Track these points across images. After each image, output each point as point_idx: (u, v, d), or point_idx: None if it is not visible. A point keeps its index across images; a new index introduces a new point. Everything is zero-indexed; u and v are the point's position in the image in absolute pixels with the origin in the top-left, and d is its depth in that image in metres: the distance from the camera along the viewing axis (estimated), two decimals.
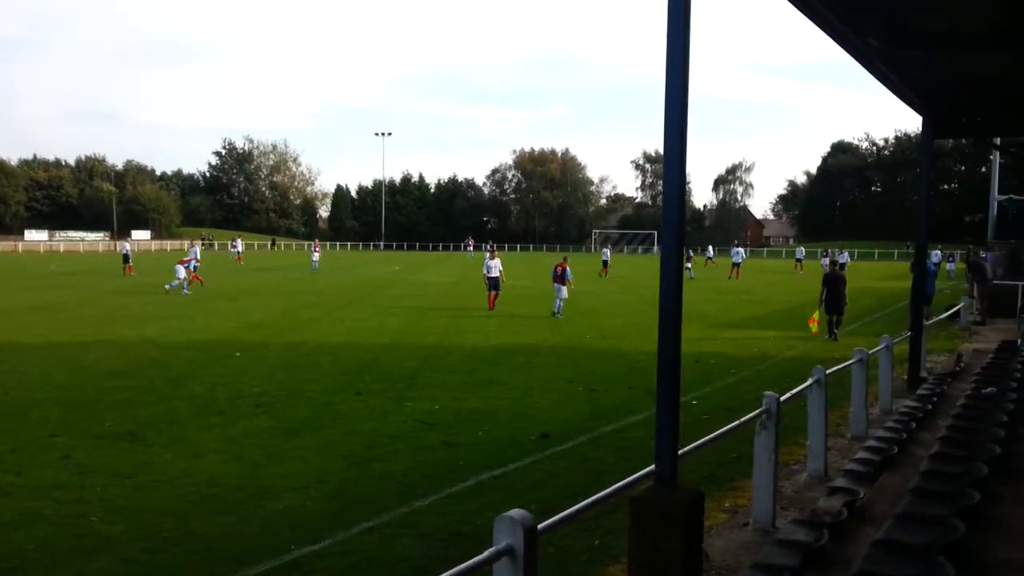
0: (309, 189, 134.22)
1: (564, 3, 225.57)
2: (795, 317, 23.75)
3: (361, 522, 6.82)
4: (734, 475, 7.88)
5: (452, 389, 12.55)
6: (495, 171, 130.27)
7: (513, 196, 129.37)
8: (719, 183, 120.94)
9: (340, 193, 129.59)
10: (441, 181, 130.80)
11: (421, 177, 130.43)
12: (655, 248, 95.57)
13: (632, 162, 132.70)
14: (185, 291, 29.51)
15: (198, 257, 31.81)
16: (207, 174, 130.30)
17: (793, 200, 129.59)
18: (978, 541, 4.32)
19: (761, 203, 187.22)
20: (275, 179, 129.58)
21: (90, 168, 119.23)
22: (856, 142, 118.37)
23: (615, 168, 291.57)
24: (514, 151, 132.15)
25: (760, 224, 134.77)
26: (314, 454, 8.96)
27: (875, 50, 8.76)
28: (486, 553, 3.34)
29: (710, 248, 60.85)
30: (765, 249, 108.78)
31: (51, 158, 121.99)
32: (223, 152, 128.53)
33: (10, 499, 7.44)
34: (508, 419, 10.66)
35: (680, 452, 4.89)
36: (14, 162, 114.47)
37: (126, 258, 42.07)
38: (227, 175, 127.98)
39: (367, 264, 59.76)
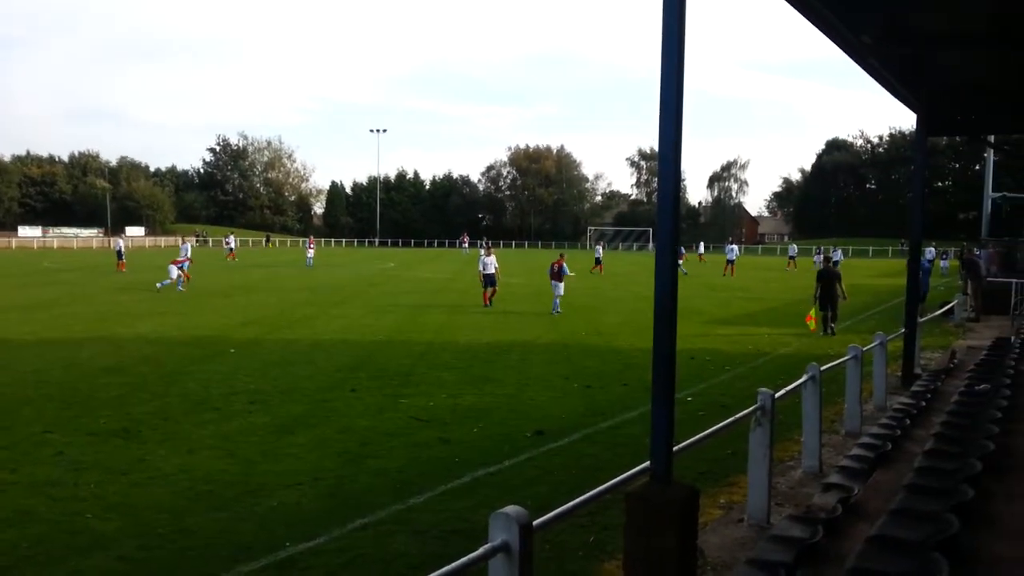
0: (304, 186, 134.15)
1: (560, 0, 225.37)
2: (789, 314, 23.80)
3: (356, 519, 6.81)
4: (729, 471, 7.89)
5: (447, 386, 12.54)
6: (490, 168, 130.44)
7: (508, 193, 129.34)
8: (714, 180, 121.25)
9: (335, 190, 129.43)
10: (436, 178, 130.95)
11: (416, 174, 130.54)
12: (650, 245, 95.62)
13: (627, 159, 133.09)
14: (180, 288, 29.44)
15: (189, 256, 31.60)
16: (201, 170, 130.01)
17: (788, 197, 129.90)
18: (972, 537, 4.33)
19: (756, 200, 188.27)
20: (270, 175, 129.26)
21: (84, 164, 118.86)
22: (851, 139, 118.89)
23: (610, 165, 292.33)
24: (509, 148, 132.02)
25: (755, 221, 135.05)
26: (309, 451, 8.95)
27: (870, 47, 8.78)
28: (481, 550, 3.34)
29: (701, 245, 60.87)
30: (760, 246, 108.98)
31: (45, 154, 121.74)
32: (217, 148, 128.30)
33: (3, 496, 7.41)
34: (503, 416, 10.66)
35: (675, 448, 4.90)
36: (7, 158, 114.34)
37: (120, 254, 41.97)
38: (221, 171, 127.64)
39: (362, 261, 59.71)
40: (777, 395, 6.50)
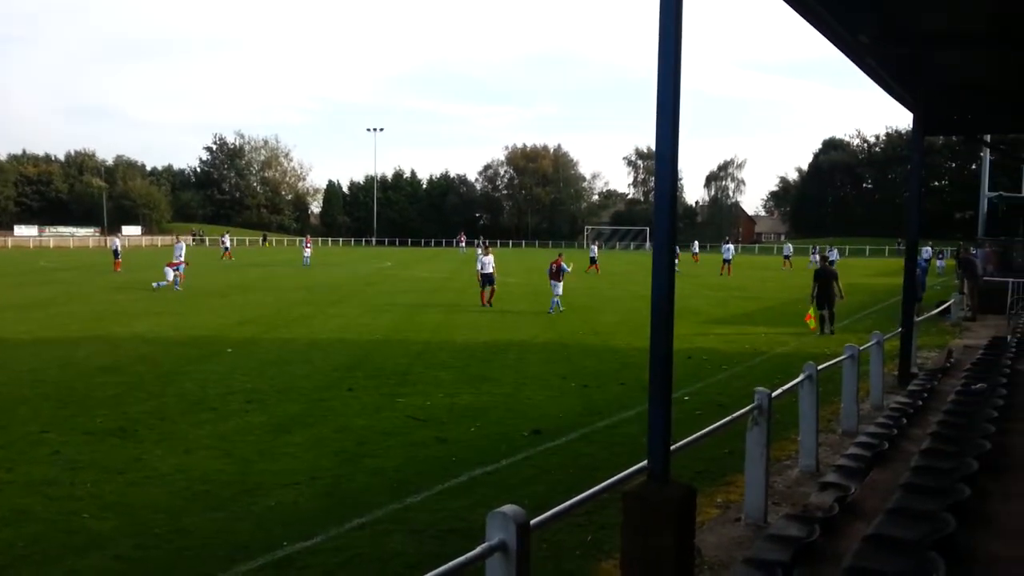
0: (300, 185, 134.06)
1: (557, 0, 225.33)
2: (786, 313, 23.84)
3: (353, 518, 6.81)
4: (726, 470, 7.90)
5: (444, 385, 12.54)
6: (487, 167, 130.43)
7: (505, 192, 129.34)
8: (711, 180, 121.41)
9: (332, 189, 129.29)
10: (433, 177, 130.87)
11: (413, 173, 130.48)
12: (647, 244, 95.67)
13: (624, 158, 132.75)
14: (176, 287, 29.41)
15: (183, 256, 31.41)
16: (198, 169, 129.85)
17: (785, 197, 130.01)
18: (968, 536, 4.34)
19: (753, 200, 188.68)
20: (266, 174, 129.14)
21: (80, 163, 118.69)
22: (847, 139, 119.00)
23: (607, 164, 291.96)
24: (506, 147, 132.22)
25: (752, 221, 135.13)
26: (306, 450, 8.95)
27: (867, 47, 8.79)
28: (479, 549, 3.34)
29: (695, 244, 60.91)
30: (757, 245, 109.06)
31: (41, 153, 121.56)
32: (214, 147, 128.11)
33: (0, 495, 7.40)
34: (500, 415, 10.66)
35: (672, 448, 4.90)
36: (3, 157, 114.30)
37: (116, 254, 41.88)
38: (218, 170, 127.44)
39: (359, 260, 59.68)
40: (774, 394, 6.51)
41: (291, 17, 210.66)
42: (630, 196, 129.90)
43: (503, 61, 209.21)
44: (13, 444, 9.03)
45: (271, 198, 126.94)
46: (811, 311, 19.04)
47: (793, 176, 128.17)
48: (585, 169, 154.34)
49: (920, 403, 8.84)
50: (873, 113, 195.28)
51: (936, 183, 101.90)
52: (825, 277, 19.59)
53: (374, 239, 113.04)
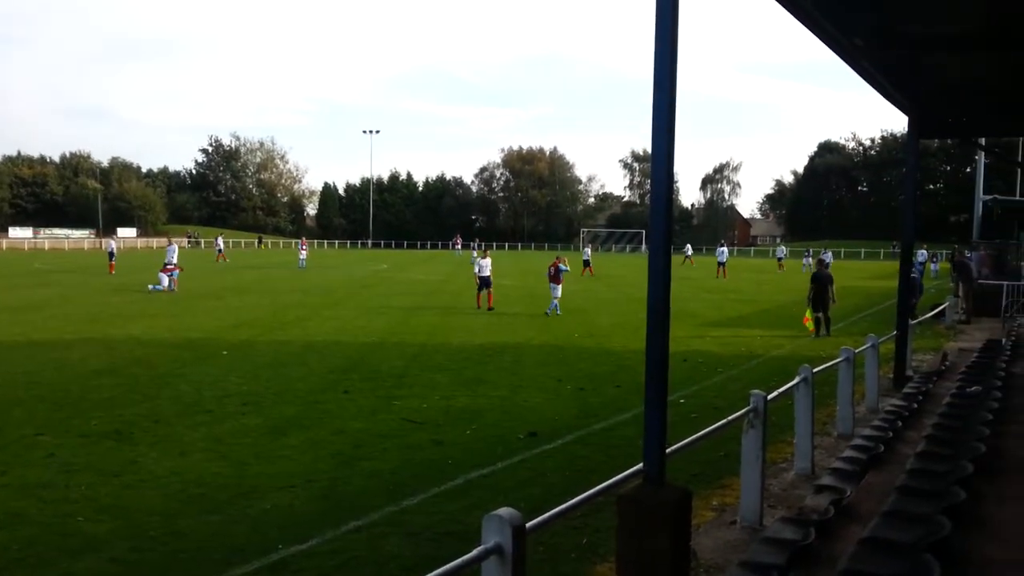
0: (296, 187, 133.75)
1: (553, 2, 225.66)
2: (782, 316, 23.88)
3: (349, 521, 6.80)
4: (722, 473, 7.91)
5: (440, 388, 12.53)
6: (483, 169, 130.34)
7: (501, 195, 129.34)
8: (707, 182, 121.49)
9: (328, 191, 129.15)
10: (429, 179, 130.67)
11: (409, 175, 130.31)
12: (643, 247, 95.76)
13: (620, 161, 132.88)
14: (172, 289, 29.35)
15: (176, 260, 31.19)
16: (193, 171, 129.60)
17: (780, 199, 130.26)
18: (963, 539, 4.35)
19: (748, 202, 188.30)
20: (262, 176, 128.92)
21: (75, 165, 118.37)
22: (843, 142, 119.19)
23: (603, 167, 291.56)
24: (502, 150, 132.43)
25: (747, 223, 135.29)
26: (301, 453, 8.93)
27: (862, 50, 8.82)
28: (474, 552, 3.33)
29: (688, 247, 60.94)
30: (752, 248, 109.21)
31: (36, 155, 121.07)
32: (210, 149, 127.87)
33: None
34: (496, 418, 10.66)
35: (668, 451, 4.90)
36: None
37: (111, 256, 41.76)
38: (214, 172, 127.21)
39: (355, 262, 59.62)
40: (770, 397, 6.52)
41: (287, 19, 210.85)
42: (626, 198, 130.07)
43: (499, 63, 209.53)
44: (8, 447, 9.00)
45: (267, 200, 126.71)
46: (807, 314, 19.12)
47: (789, 179, 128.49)
48: (581, 171, 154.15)
49: (915, 406, 8.86)
50: (868, 116, 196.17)
51: (931, 186, 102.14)
52: (821, 280, 19.65)
53: (370, 241, 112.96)
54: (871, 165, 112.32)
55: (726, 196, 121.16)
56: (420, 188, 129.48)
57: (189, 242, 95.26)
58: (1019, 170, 42.03)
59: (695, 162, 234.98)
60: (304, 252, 51.24)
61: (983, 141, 23.30)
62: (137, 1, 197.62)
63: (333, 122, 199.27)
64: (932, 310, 20.00)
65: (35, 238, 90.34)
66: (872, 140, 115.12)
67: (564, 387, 12.75)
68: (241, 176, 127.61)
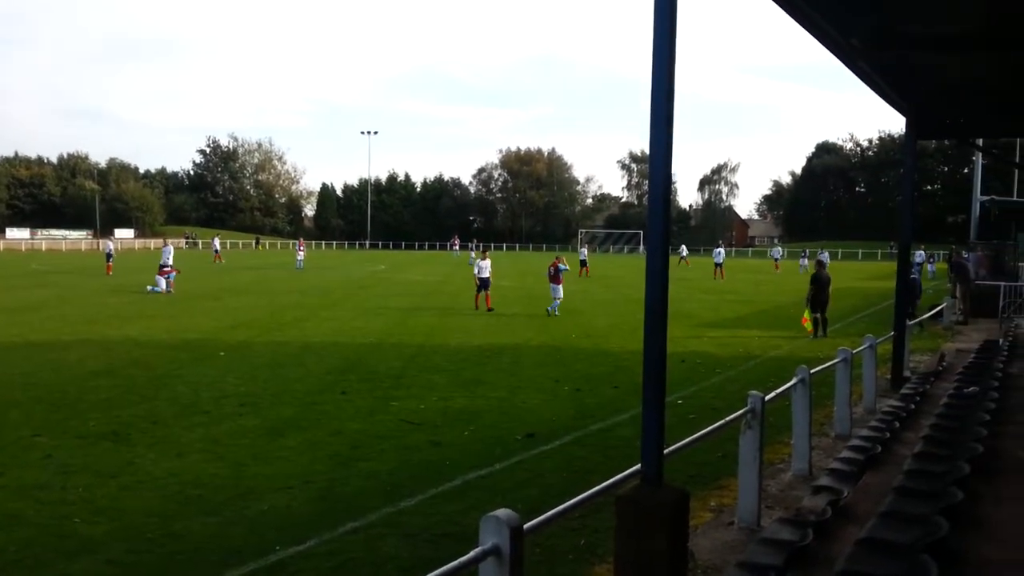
0: (294, 187, 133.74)
1: (552, 4, 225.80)
2: (779, 317, 23.90)
3: (347, 522, 6.79)
4: (719, 474, 7.90)
5: (438, 389, 12.52)
6: (481, 170, 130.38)
7: (499, 195, 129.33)
8: (704, 183, 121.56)
9: (325, 192, 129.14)
10: (427, 180, 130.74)
11: (407, 176, 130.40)
12: (641, 248, 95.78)
13: (618, 162, 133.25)
14: (169, 291, 29.32)
15: (171, 261, 31.09)
16: (191, 172, 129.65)
17: (778, 200, 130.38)
18: (960, 539, 4.35)
19: (746, 203, 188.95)
20: (260, 177, 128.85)
21: (73, 166, 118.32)
22: (840, 143, 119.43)
23: (601, 168, 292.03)
24: (500, 150, 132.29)
25: (745, 224, 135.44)
26: (299, 454, 8.92)
27: (859, 51, 8.82)
28: (472, 553, 3.33)
29: (683, 248, 61.07)
30: (750, 249, 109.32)
31: (33, 156, 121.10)
32: (207, 150, 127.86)
33: None
34: (494, 419, 10.65)
35: (666, 451, 4.90)
36: None
37: (109, 257, 41.71)
38: (211, 173, 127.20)
39: (352, 263, 59.60)
40: (767, 398, 6.52)
41: (285, 20, 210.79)
42: (624, 199, 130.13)
43: (497, 64, 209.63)
44: (5, 448, 8.98)
45: (265, 201, 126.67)
46: (806, 314, 19.15)
47: (786, 180, 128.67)
48: (579, 172, 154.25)
49: (913, 407, 8.87)
50: (866, 117, 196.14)
51: (929, 187, 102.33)
52: (820, 281, 19.69)
53: (368, 242, 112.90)
54: (869, 166, 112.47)
55: (724, 197, 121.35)
56: (418, 189, 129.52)
57: (187, 243, 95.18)
58: (1016, 171, 42.09)
59: (693, 163, 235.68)
60: (302, 253, 51.23)
61: (981, 142, 23.32)
62: (136, 2, 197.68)
63: (331, 123, 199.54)
64: (930, 311, 20.03)
65: (32, 239, 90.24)
66: (870, 141, 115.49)
67: (562, 388, 12.75)
68: (239, 177, 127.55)
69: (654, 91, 4.63)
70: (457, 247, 79.57)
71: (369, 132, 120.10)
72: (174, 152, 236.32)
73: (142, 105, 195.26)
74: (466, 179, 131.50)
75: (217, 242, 63.30)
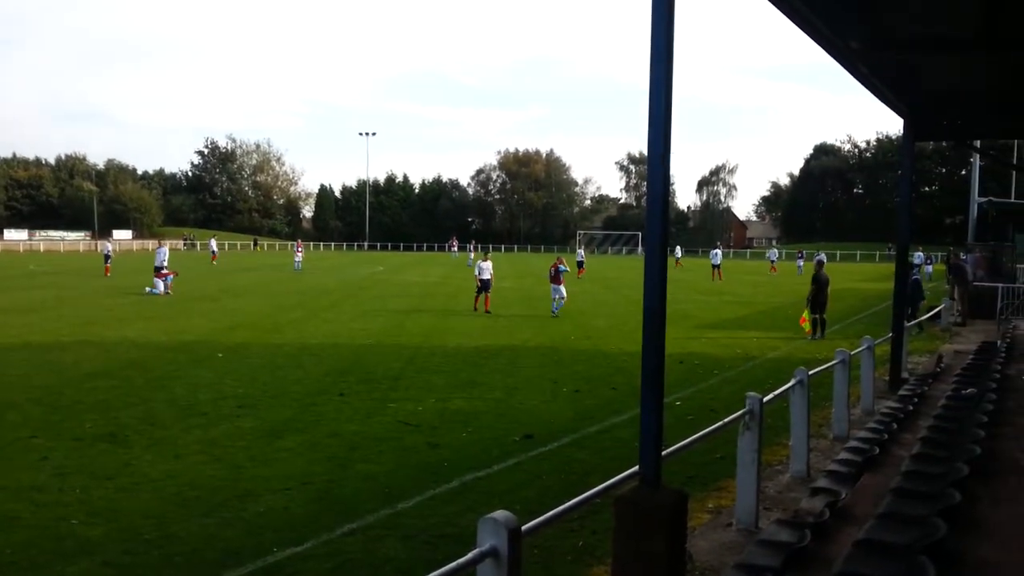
0: (292, 189, 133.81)
1: (550, 5, 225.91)
2: (778, 318, 23.91)
3: (345, 524, 6.79)
4: (718, 476, 7.91)
5: (436, 390, 12.52)
6: (480, 172, 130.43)
7: (498, 197, 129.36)
8: (703, 184, 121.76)
9: (324, 193, 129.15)
10: (425, 181, 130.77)
11: (405, 177, 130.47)
12: (639, 249, 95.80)
13: (616, 163, 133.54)
14: (167, 292, 29.29)
15: (167, 262, 30.98)
16: (189, 173, 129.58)
17: (776, 202, 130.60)
18: (958, 541, 4.34)
19: (744, 205, 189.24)
20: (258, 179, 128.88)
21: (71, 167, 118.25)
22: (838, 144, 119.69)
23: (599, 169, 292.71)
24: (499, 152, 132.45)
25: (743, 225, 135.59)
26: (297, 456, 8.91)
27: (857, 53, 8.83)
28: (470, 554, 3.33)
29: (678, 249, 61.03)
30: (748, 251, 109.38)
31: (31, 157, 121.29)
32: (205, 151, 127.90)
33: None
34: (492, 420, 10.64)
35: (664, 453, 4.90)
36: None
37: (107, 258, 41.64)
38: (209, 174, 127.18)
39: (351, 265, 59.56)
40: (765, 399, 6.52)
41: (283, 21, 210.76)
42: (622, 201, 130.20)
43: (496, 66, 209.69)
44: (2, 449, 8.97)
45: (263, 202, 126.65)
46: (805, 314, 19.17)
47: (784, 181, 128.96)
48: (577, 174, 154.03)
49: (911, 408, 8.86)
50: (864, 119, 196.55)
51: (926, 188, 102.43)
52: (820, 281, 19.73)
53: (366, 243, 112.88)
54: (866, 167, 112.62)
55: (722, 198, 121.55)
56: (416, 190, 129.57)
57: (185, 245, 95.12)
58: (1014, 172, 42.16)
59: (691, 164, 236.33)
60: (300, 254, 51.17)
61: (978, 144, 23.33)
62: (134, 3, 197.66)
63: (329, 124, 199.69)
64: (928, 312, 20.05)
65: (30, 240, 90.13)
66: (867, 142, 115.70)
67: (560, 389, 12.74)
68: (237, 178, 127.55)
69: (652, 92, 4.63)
70: (455, 248, 79.57)
71: (367, 133, 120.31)
72: (172, 153, 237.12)
73: (140, 106, 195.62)
74: (464, 180, 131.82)
75: (214, 243, 63.26)
